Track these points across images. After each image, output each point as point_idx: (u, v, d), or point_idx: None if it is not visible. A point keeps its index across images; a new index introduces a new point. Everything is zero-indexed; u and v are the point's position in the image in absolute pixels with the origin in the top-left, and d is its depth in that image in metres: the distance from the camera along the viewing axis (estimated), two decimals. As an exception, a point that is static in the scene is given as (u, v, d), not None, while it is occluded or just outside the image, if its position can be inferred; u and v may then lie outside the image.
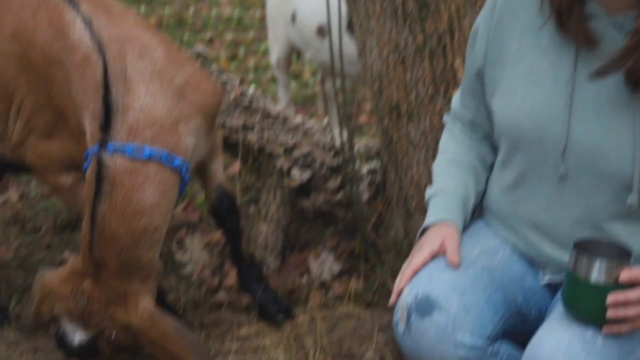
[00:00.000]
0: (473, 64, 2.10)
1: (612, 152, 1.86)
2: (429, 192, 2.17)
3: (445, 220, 2.08)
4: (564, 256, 1.95)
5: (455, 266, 2.00)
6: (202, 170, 2.44)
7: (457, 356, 1.92)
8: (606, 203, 1.92)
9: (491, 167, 2.20)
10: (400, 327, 2.00)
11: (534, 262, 2.08)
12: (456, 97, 2.25)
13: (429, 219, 2.10)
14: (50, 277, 2.15)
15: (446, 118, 2.28)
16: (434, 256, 2.03)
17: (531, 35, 1.97)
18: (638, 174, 1.86)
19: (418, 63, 2.50)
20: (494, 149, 2.19)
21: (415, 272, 2.02)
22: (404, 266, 2.06)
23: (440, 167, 2.20)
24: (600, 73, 1.84)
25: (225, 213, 2.43)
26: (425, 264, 2.03)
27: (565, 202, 1.96)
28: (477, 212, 2.29)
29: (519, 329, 2.05)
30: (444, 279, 1.98)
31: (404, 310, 1.99)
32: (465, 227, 2.18)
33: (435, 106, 2.52)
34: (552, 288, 2.09)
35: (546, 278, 2.07)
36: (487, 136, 2.20)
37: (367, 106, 5.07)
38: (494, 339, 1.97)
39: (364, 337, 2.32)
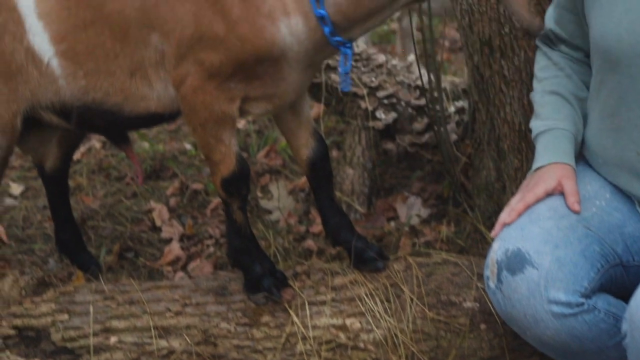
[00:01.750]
0: None
1: None
2: (535, 126, 2.06)
3: (561, 163, 1.98)
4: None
5: (577, 211, 1.91)
6: (294, 112, 2.35)
7: (551, 313, 1.84)
8: None
9: None
10: (491, 283, 1.94)
11: (637, 203, 1.96)
12: (549, 15, 2.11)
13: (543, 160, 2.00)
14: None
15: (540, 41, 2.15)
16: (549, 195, 1.95)
17: None
18: None
19: (513, -5, 2.36)
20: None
21: (527, 208, 1.94)
22: (513, 201, 1.97)
23: (544, 98, 2.08)
24: None
25: (323, 159, 2.35)
26: (538, 201, 1.94)
27: None
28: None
29: (619, 280, 1.95)
30: (536, 233, 1.89)
31: (494, 266, 1.92)
32: None
33: (530, 40, 2.38)
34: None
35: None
36: (586, 58, 2.07)
37: (445, 43, 4.92)
38: (590, 294, 1.86)
39: (462, 284, 2.25)
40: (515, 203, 1.97)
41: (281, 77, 2.15)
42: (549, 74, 2.10)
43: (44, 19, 2.23)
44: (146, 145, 3.90)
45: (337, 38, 2.09)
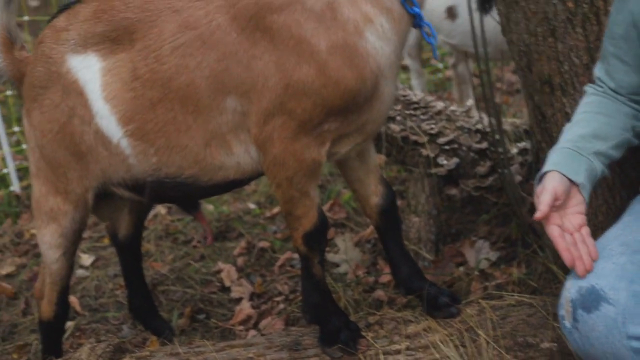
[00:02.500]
0: (626, 17, 2.00)
1: None
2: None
3: (548, 172, 1.96)
4: None
5: (537, 218, 1.89)
6: (361, 159, 2.30)
7: (631, 349, 1.80)
8: None
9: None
10: (567, 323, 1.90)
11: None
12: (598, 68, 2.16)
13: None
14: None
15: (588, 86, 2.19)
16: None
17: None
18: None
19: (570, 31, 2.35)
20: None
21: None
22: None
23: (564, 128, 2.10)
24: None
25: (392, 205, 2.33)
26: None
27: None
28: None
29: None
30: (610, 269, 1.86)
31: (568, 305, 1.89)
32: (631, 207, 2.07)
33: (592, 75, 2.36)
34: None
35: None
36: (630, 102, 2.09)
37: (501, 86, 4.92)
38: (671, 328, 1.81)
39: (538, 325, 2.20)
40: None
41: (376, 95, 2.06)
42: (581, 110, 2.12)
43: (110, 102, 2.22)
44: (211, 207, 3.94)
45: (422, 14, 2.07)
